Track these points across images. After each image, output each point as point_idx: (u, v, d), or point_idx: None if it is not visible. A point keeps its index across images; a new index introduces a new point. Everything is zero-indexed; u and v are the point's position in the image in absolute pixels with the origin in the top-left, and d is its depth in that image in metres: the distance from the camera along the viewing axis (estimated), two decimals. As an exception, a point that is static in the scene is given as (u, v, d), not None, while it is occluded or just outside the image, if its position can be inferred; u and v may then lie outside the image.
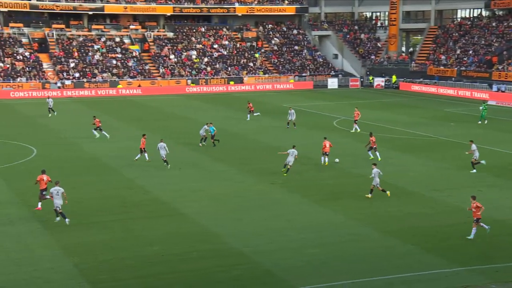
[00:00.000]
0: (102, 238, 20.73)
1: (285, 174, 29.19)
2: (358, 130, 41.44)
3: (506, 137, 38.81)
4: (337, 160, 32.16)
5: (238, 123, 46.40)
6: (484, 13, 79.50)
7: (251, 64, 76.28)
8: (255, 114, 48.22)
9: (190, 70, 72.87)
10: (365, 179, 28.66)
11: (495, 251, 19.40)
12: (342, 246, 20.03)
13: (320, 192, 26.58)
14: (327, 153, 31.64)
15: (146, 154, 32.33)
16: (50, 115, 48.79)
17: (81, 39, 73.86)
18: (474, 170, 29.73)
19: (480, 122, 45.21)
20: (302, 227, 21.86)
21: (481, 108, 46.25)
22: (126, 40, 76.02)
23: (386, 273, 17.87)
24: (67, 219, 21.82)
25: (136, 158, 32.39)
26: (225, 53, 77.32)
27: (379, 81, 73.25)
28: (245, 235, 21.09)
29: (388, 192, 25.32)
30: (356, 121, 42.06)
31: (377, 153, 32.55)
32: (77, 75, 68.38)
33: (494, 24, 74.41)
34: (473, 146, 30.08)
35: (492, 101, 57.08)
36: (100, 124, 39.35)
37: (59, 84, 66.21)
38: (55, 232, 21.25)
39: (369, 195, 25.30)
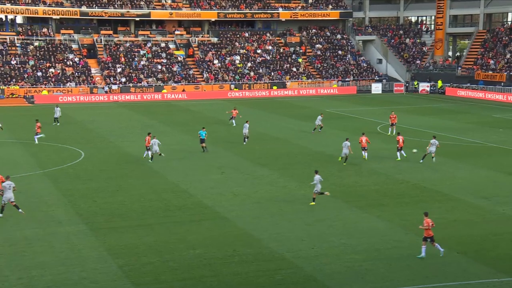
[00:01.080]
0: (146, 241, 21.02)
1: (344, 164, 32.51)
2: (395, 133, 41.12)
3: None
4: (415, 150, 33.51)
5: (281, 128, 46.34)
6: (536, 16, 77.21)
7: (294, 69, 76.19)
8: (230, 120, 47.45)
9: (233, 75, 73.34)
10: (409, 185, 28.19)
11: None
12: (386, 253, 19.72)
13: (363, 198, 26.27)
14: (365, 147, 33.55)
15: (149, 153, 33.86)
16: (54, 124, 47.05)
17: (127, 44, 75.39)
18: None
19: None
20: (344, 233, 21.64)
21: None
22: (171, 46, 77.17)
23: (430, 281, 17.50)
24: (20, 210, 23.22)
25: (144, 155, 34.05)
26: (268, 58, 77.50)
27: (424, 86, 71.99)
28: (287, 240, 21.03)
29: (327, 192, 25.47)
30: (394, 124, 42.33)
31: (403, 152, 33.57)
32: (123, 80, 69.79)
33: (546, 27, 72.17)
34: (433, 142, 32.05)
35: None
36: (39, 130, 39.08)
37: (106, 89, 67.70)
38: (101, 234, 21.68)
39: (313, 203, 24.85)
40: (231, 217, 23.62)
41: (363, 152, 33.73)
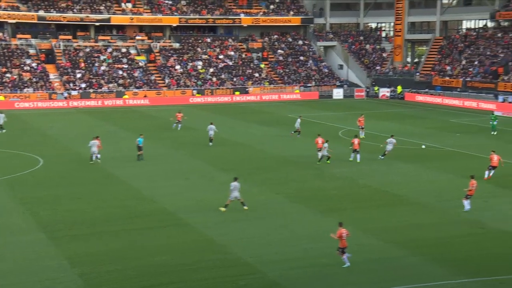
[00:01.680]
0: (108, 248, 20.71)
1: (328, 162, 33.59)
2: (363, 136, 42.61)
3: (510, 148, 38.73)
4: (423, 146, 37.86)
5: (244, 133, 46.41)
6: (489, 24, 79.52)
7: (257, 74, 76.47)
8: (174, 125, 47.87)
9: (195, 81, 73.11)
10: (370, 189, 28.61)
11: (500, 263, 19.26)
12: (350, 257, 19.90)
13: (325, 202, 26.52)
14: (320, 148, 34.65)
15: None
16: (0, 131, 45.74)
17: (87, 50, 74.28)
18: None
19: (493, 133, 44.78)
20: (307, 237, 21.79)
21: (492, 121, 45.65)
22: (132, 51, 76.42)
23: (392, 284, 17.77)
24: None
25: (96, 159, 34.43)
26: (230, 63, 77.57)
27: (384, 92, 73.24)
28: (251, 245, 21.05)
29: (245, 207, 24.83)
30: (362, 128, 44.02)
31: (358, 156, 34.58)
32: (83, 85, 68.71)
33: (499, 35, 74.40)
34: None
35: (498, 112, 56.92)
36: None
37: (65, 95, 66.49)
38: (61, 243, 21.25)
39: (223, 209, 24.65)
40: (195, 223, 23.50)
41: (318, 153, 34.74)
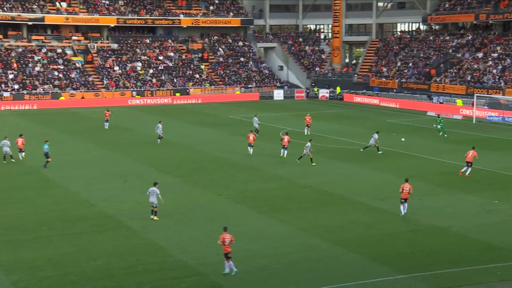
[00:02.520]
0: (44, 254, 20.08)
1: (313, 164, 33.69)
2: (307, 133, 45.18)
3: (445, 147, 40.15)
4: (403, 139, 41.36)
5: (184, 135, 46.10)
6: (422, 27, 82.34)
7: (197, 75, 76.13)
8: (107, 125, 48.51)
9: (135, 82, 72.00)
10: (311, 189, 29.02)
11: (435, 258, 19.95)
12: (289, 257, 20.14)
13: (266, 203, 26.69)
14: (251, 144, 36.89)
15: (21, 154, 34.89)
16: None
17: (20, 50, 71.75)
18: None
19: (440, 134, 45.51)
20: (249, 238, 21.86)
21: (436, 124, 46.43)
22: (69, 51, 74.41)
23: (332, 282, 18.07)
24: None
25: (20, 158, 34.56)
26: (170, 64, 76.85)
27: (324, 93, 74.47)
28: (192, 247, 20.92)
29: (155, 218, 23.66)
30: (309, 126, 46.24)
31: (285, 152, 36.39)
32: (16, 86, 66.32)
33: (431, 38, 77.16)
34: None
35: (431, 112, 58.97)
36: None
37: (-3, 96, 64.04)
38: (-7, 249, 20.44)
39: (155, 217, 23.71)
40: (134, 226, 23.14)
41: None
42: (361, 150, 38.35)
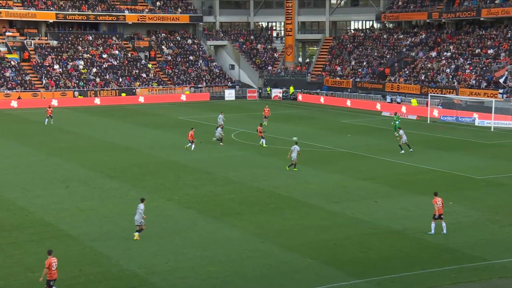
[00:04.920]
0: (-22, 267, 19.44)
1: (287, 168, 33.54)
2: (265, 123, 48.36)
3: (397, 148, 41.02)
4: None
5: (131, 137, 45.53)
6: (375, 25, 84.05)
7: (144, 75, 75.32)
8: (52, 120, 50.09)
9: (77, 81, 70.62)
10: (264, 193, 29.16)
11: (390, 262, 20.38)
12: (242, 263, 20.18)
13: (218, 207, 26.66)
14: (191, 141, 39.05)
15: None
16: None
17: None
18: (403, 151, 38.40)
19: (396, 134, 46.49)
20: (199, 245, 21.79)
21: (394, 121, 47.42)
22: (2, 48, 72.30)
23: (286, 288, 18.21)
24: None
25: None
26: (115, 63, 75.76)
27: (276, 92, 74.96)
28: (139, 255, 20.69)
29: (136, 236, 22.31)
30: (267, 117, 50.42)
31: (263, 141, 40.55)
32: None
33: (385, 36, 78.84)
34: (401, 132, 39.13)
35: (386, 113, 60.22)
36: None
37: None
38: None
39: (136, 235, 22.41)
40: (77, 235, 22.71)
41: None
42: (410, 150, 38.63)
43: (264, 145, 40.85)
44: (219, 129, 42.30)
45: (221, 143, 41.13)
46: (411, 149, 38.72)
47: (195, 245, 21.76)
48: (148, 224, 24.10)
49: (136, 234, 22.33)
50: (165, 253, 20.97)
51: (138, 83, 73.21)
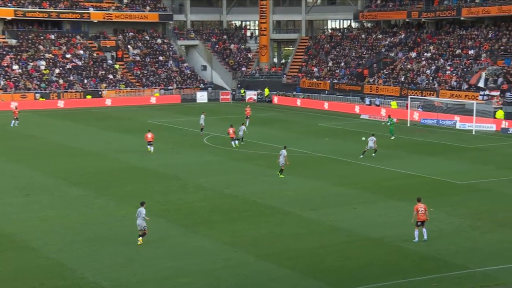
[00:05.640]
0: None
1: (281, 176, 33.14)
2: (247, 125, 49.42)
3: (380, 152, 41.39)
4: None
5: (97, 142, 45.15)
6: (353, 24, 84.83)
7: (111, 76, 74.80)
8: (12, 122, 50.67)
9: (38, 83, 69.79)
10: (237, 200, 29.16)
11: (369, 271, 20.53)
12: (215, 274, 20.14)
13: (189, 216, 26.58)
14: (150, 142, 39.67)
15: None
16: None
17: None
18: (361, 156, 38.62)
19: (393, 138, 47.01)
20: (170, 255, 21.69)
21: (388, 123, 47.85)
22: (-44, 47, 71.23)
23: (262, 299, 18.22)
24: None
25: None
26: (80, 63, 75.11)
27: (251, 94, 75.08)
28: (106, 267, 20.51)
29: (140, 240, 22.74)
30: (248, 117, 52.47)
31: (235, 142, 41.77)
32: None
33: (363, 36, 79.62)
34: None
35: (364, 115, 60.76)
36: None
37: None
38: None
39: (140, 239, 22.79)
40: (38, 246, 22.42)
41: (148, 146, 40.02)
42: (361, 156, 38.70)
43: (236, 145, 42.18)
44: (242, 127, 44.61)
45: (242, 142, 43.32)
46: (369, 154, 38.64)
47: (165, 255, 21.65)
48: (115, 234, 23.91)
49: (140, 239, 22.54)
50: (134, 264, 20.82)
51: (104, 85, 72.67)
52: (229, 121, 48.51)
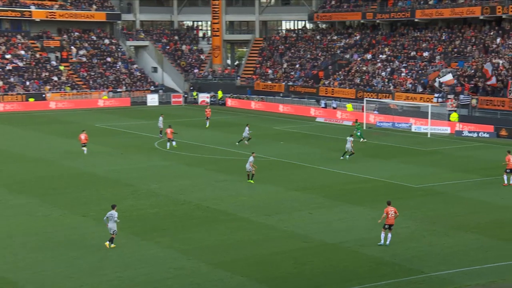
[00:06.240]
0: None
1: (250, 181, 33.25)
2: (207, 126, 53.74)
3: (334, 156, 41.94)
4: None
5: (41, 147, 44.32)
6: (308, 25, 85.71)
7: (55, 78, 73.51)
8: None
9: (-23, 85, 68.10)
10: (191, 206, 29.08)
11: (326, 278, 20.75)
12: (166, 283, 20.03)
13: (140, 223, 26.36)
14: (84, 144, 40.37)
15: None
16: None
17: None
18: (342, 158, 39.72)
19: (363, 140, 47.51)
20: (119, 264, 21.46)
21: (356, 130, 48.26)
22: None
23: (216, 309, 18.21)
24: None
25: None
26: (21, 64, 73.55)
27: (204, 97, 74.96)
28: (49, 279, 20.16)
29: (113, 245, 23.05)
30: (208, 118, 55.05)
31: (170, 143, 42.67)
32: None
33: (318, 37, 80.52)
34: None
35: (320, 118, 61.41)
36: None
37: None
38: None
39: (111, 245, 23.11)
40: (-21, 258, 21.84)
41: (83, 148, 40.34)
42: (341, 158, 39.85)
43: (172, 146, 43.03)
44: (246, 128, 45.07)
45: (246, 142, 44.77)
46: (341, 157, 39.98)
47: (114, 265, 21.41)
48: (59, 244, 23.51)
49: (107, 243, 22.80)
50: (81, 275, 20.52)
51: (48, 87, 71.36)
52: (181, 125, 48.46)
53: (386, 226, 23.50)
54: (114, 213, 23.09)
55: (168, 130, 42.85)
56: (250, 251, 23.13)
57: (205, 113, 56.16)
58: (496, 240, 24.27)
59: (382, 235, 23.49)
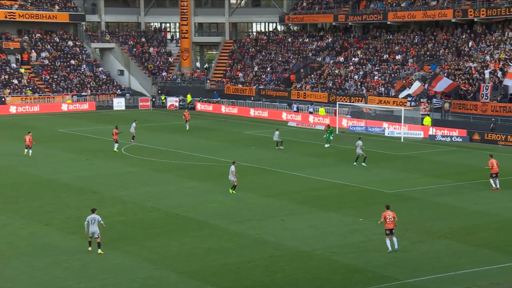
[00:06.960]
0: None
1: (232, 192, 32.54)
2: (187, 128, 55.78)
3: (305, 161, 42.17)
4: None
5: (2, 154, 43.74)
6: (279, 27, 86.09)
7: (15, 81, 72.57)
8: None
9: None
10: (159, 213, 28.97)
11: (298, 286, 20.85)
12: (134, 294, 19.92)
13: (106, 232, 26.10)
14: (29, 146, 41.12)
15: None
16: None
17: None
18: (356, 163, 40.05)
19: (327, 145, 47.76)
20: (83, 275, 21.28)
21: (328, 135, 48.47)
22: None
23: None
24: None
25: None
26: (-20, 67, 72.49)
27: (172, 101, 74.73)
28: (13, 291, 19.89)
29: (100, 251, 23.24)
30: (187, 121, 56.73)
31: (116, 145, 43.76)
32: None
33: (290, 39, 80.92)
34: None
35: (292, 123, 61.68)
36: None
37: None
38: None
39: (99, 251, 23.31)
40: None
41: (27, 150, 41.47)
42: (355, 164, 40.20)
43: (115, 149, 44.00)
44: (276, 132, 45.85)
45: (281, 147, 45.67)
46: (355, 163, 40.32)
47: (78, 276, 21.21)
48: (20, 255, 23.21)
49: (90, 248, 23.26)
50: (42, 286, 20.27)
51: (8, 91, 70.45)
52: (149, 130, 48.22)
53: (387, 232, 23.70)
54: (96, 216, 23.34)
55: (114, 131, 44.28)
56: (220, 259, 23.13)
57: (183, 116, 57.61)
58: (468, 246, 24.66)
59: (387, 242, 23.65)
